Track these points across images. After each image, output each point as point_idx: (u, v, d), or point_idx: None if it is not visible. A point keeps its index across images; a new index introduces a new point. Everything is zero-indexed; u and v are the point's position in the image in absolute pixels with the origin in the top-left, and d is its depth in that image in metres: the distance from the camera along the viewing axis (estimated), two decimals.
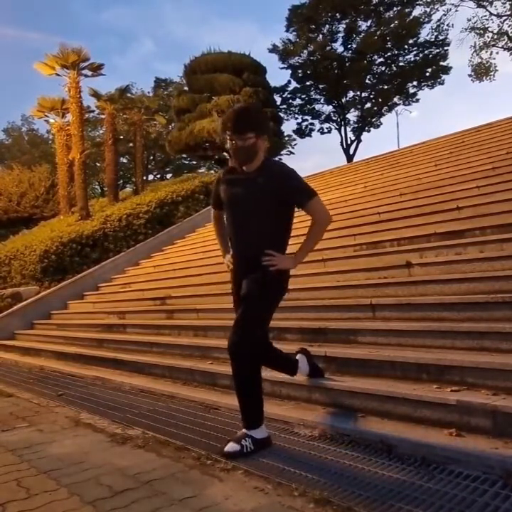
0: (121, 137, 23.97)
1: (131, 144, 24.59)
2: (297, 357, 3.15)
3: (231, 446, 2.56)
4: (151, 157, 33.72)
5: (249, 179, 2.68)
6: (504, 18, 24.97)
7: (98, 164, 29.41)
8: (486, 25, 25.90)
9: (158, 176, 35.61)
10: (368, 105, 28.36)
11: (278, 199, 2.63)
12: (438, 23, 25.66)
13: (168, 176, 34.52)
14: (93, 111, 19.05)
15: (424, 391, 2.66)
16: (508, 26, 25.06)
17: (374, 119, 28.94)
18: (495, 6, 24.92)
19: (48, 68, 14.71)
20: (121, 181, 31.66)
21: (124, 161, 31.85)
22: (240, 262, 2.78)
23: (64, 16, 72.28)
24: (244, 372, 2.58)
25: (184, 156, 28.36)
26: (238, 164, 2.71)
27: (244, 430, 2.61)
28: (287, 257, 2.75)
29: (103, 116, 18.14)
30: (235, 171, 2.77)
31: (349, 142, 28.57)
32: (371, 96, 28.05)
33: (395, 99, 28.03)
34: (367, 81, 27.18)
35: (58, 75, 14.80)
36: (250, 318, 2.61)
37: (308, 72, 26.77)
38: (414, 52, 26.12)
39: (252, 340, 2.57)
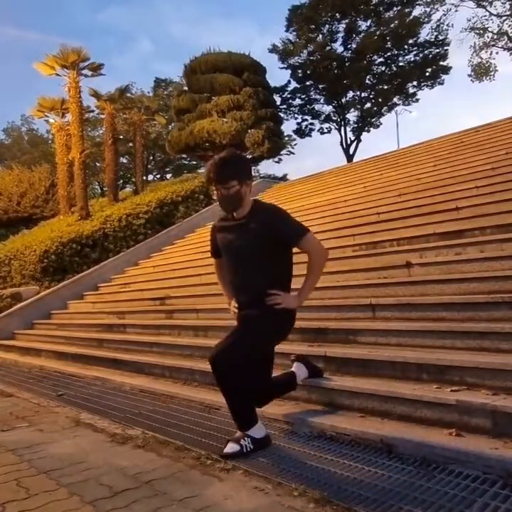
0: (121, 137, 23.94)
1: (131, 144, 24.58)
2: (293, 367, 3.16)
3: (231, 447, 2.56)
4: (151, 157, 33.71)
5: (241, 225, 2.73)
6: (504, 18, 24.99)
7: (98, 164, 29.41)
8: (486, 25, 25.94)
9: (158, 176, 35.62)
10: (368, 105, 28.35)
11: (272, 241, 2.67)
12: (438, 23, 25.68)
13: (168, 176, 34.53)
14: (93, 111, 19.03)
15: (424, 391, 2.66)
16: (508, 26, 25.09)
17: (374, 119, 28.93)
18: (494, 6, 24.95)
19: (47, 68, 14.70)
20: (121, 181, 31.65)
21: (124, 161, 31.83)
22: (243, 307, 2.79)
23: (62, 15, 72.25)
24: (226, 388, 2.59)
25: (184, 156, 28.33)
26: (227, 212, 2.78)
27: (242, 431, 2.61)
28: (291, 296, 2.77)
29: (103, 116, 18.13)
30: (227, 218, 2.84)
31: (349, 142, 28.58)
32: (371, 96, 28.04)
33: (395, 99, 28.03)
34: (367, 81, 27.17)
35: (58, 74, 14.80)
36: (239, 341, 2.61)
37: (308, 72, 26.76)
38: (414, 52, 26.11)
39: (233, 358, 2.53)
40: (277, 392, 3.04)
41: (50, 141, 32.94)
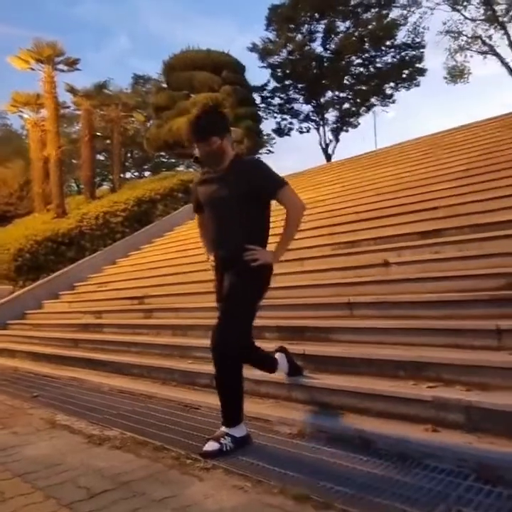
0: (98, 134, 23.57)
1: (108, 141, 24.23)
2: (276, 356, 3.16)
3: (210, 445, 2.56)
4: (129, 154, 33.34)
5: (221, 178, 2.75)
6: (478, 22, 25.44)
7: (74, 161, 28.88)
8: (461, 29, 26.37)
9: (136, 173, 35.26)
10: (346, 105, 28.56)
11: (251, 193, 2.67)
12: (414, 26, 26.00)
13: (147, 173, 34.20)
14: (69, 107, 18.80)
15: (401, 388, 2.70)
16: (482, 30, 25.56)
17: (352, 119, 29.16)
18: (469, 10, 25.38)
19: (22, 62, 14.44)
20: (98, 179, 31.17)
21: (101, 158, 31.35)
22: (221, 260, 2.79)
23: (36, 9, 70.75)
24: (226, 372, 2.58)
25: (162, 153, 28.11)
26: (211, 167, 2.80)
27: (223, 429, 2.61)
28: (268, 251, 2.77)
29: (79, 113, 17.89)
30: (209, 171, 2.86)
31: (328, 142, 28.74)
32: (349, 96, 28.26)
33: (373, 100, 28.29)
34: (345, 81, 27.37)
35: (33, 69, 14.56)
36: (234, 317, 2.62)
37: (288, 71, 26.83)
38: (391, 53, 26.41)
39: (236, 340, 2.57)
40: (257, 360, 3.00)
41: (24, 137, 32.30)
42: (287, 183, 2.75)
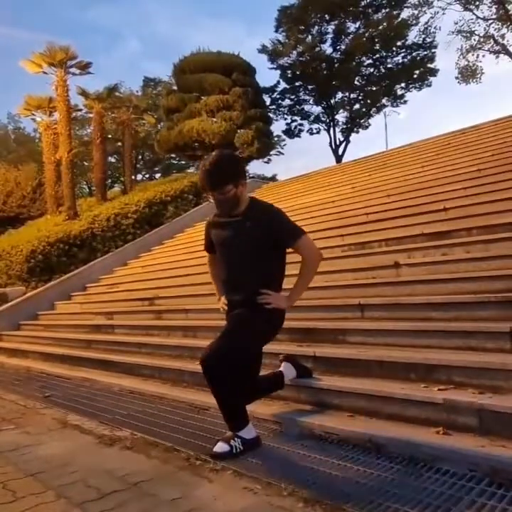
0: (110, 136, 23.76)
1: (119, 144, 24.46)
2: (281, 367, 3.16)
3: (220, 447, 2.56)
4: (140, 157, 33.55)
5: (237, 222, 2.71)
6: (490, 21, 25.25)
7: (86, 163, 29.22)
8: (473, 29, 26.18)
9: (147, 175, 35.46)
10: (357, 106, 28.51)
11: (267, 241, 2.66)
12: (425, 26, 25.90)
13: (157, 175, 34.38)
14: (81, 109, 18.92)
15: (411, 390, 2.68)
16: (494, 29, 25.36)
17: (362, 120, 29.08)
18: (481, 10, 25.29)
19: (34, 66, 14.58)
20: (110, 181, 31.36)
21: (113, 160, 31.58)
22: (233, 305, 2.78)
23: (49, 13, 71.55)
24: (217, 390, 2.57)
25: (173, 155, 28.17)
26: (225, 215, 2.76)
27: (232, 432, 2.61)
28: (282, 296, 2.77)
29: (91, 115, 18.04)
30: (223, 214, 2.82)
31: (338, 143, 28.70)
32: (360, 97, 28.19)
33: (383, 101, 28.20)
34: (355, 82, 27.31)
35: (45, 73, 14.70)
36: (232, 338, 2.60)
37: (298, 72, 26.83)
38: (402, 54, 26.31)
39: (229, 358, 2.51)
40: (264, 389, 3.04)
41: (37, 140, 32.63)
42: (305, 233, 2.74)
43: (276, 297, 2.72)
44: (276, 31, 26.51)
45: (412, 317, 3.61)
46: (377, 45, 25.70)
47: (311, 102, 28.82)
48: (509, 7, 23.47)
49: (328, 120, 29.08)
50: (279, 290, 2.80)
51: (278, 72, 27.60)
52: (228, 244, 2.75)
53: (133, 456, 2.72)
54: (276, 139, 28.67)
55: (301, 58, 26.25)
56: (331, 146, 28.78)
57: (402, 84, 27.37)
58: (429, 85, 27.06)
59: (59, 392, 4.70)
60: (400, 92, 27.82)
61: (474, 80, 27.20)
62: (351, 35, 25.80)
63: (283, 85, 28.09)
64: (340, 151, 28.53)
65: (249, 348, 2.69)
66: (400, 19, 25.19)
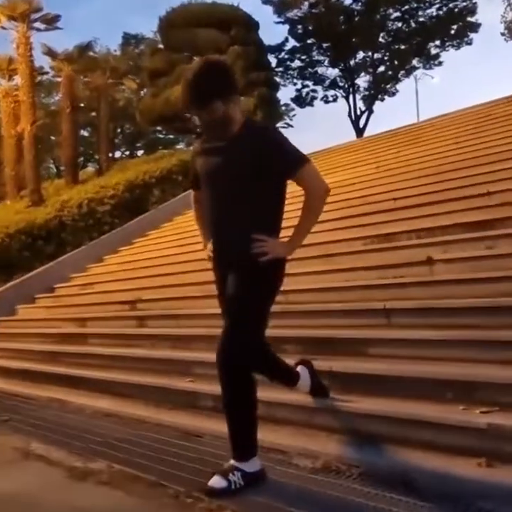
0: (82, 105, 23.72)
1: (94, 114, 24.42)
2: (298, 369, 3.14)
3: (216, 482, 2.54)
4: (119, 130, 33.55)
5: (227, 148, 2.64)
6: None
7: (53, 138, 29.19)
8: None
9: (128, 152, 35.45)
10: (382, 69, 28.46)
11: (263, 170, 2.60)
12: None
13: (140, 152, 34.36)
14: (47, 73, 19.02)
15: (448, 413, 2.67)
16: None
17: (388, 86, 29.03)
18: None
19: None
20: (82, 159, 31.33)
21: (86, 134, 31.59)
22: (223, 253, 2.75)
23: None
24: (235, 391, 2.56)
25: (159, 128, 28.24)
26: (215, 140, 2.69)
27: (232, 462, 2.60)
28: (281, 242, 2.72)
29: (59, 80, 18.03)
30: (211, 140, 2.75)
31: (359, 113, 28.65)
32: (385, 58, 28.14)
33: (414, 62, 28.16)
34: (380, 39, 27.24)
35: (4, 28, 14.72)
36: (241, 323, 2.59)
37: (310, 27, 26.76)
38: (437, 5, 26.21)
39: (245, 349, 2.55)
40: (278, 371, 3.01)
41: None
42: (309, 160, 2.67)
43: (274, 245, 2.65)
44: None
45: (448, 324, 3.59)
46: None
47: (325, 63, 28.79)
48: None
49: (346, 85, 29.03)
50: (277, 234, 2.74)
51: (286, 27, 27.59)
52: (215, 175, 2.68)
53: (110, 493, 2.72)
54: (283, 108, 28.66)
55: (314, 10, 26.16)
56: (350, 116, 28.74)
57: (437, 42, 27.30)
58: (469, 43, 27.01)
59: (20, 415, 4.69)
60: (433, 52, 27.78)
61: None
62: None
63: (292, 43, 28.07)
64: (361, 123, 28.49)
65: (263, 325, 2.69)
66: None
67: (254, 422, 2.62)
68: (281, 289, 2.82)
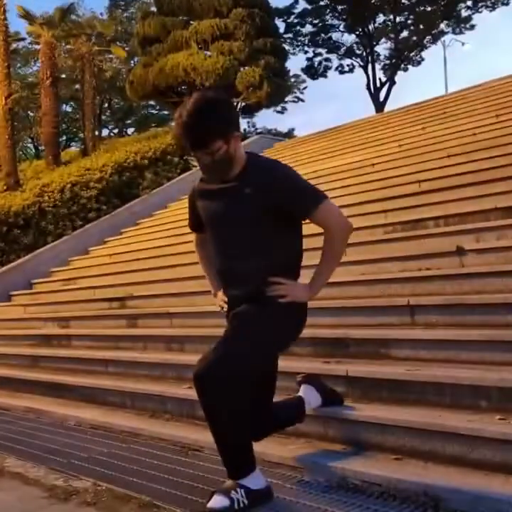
0: (64, 76, 23.75)
1: (77, 86, 24.42)
2: (301, 391, 3.14)
3: (218, 501, 2.53)
4: (107, 104, 33.57)
5: (232, 189, 2.66)
6: None
7: (31, 114, 29.22)
8: None
9: (116, 130, 35.48)
10: (405, 34, 28.33)
11: (275, 211, 2.62)
12: None
13: (130, 130, 34.40)
14: (24, 39, 18.96)
15: (482, 423, 2.66)
16: None
17: (413, 54, 28.91)
18: None
19: None
20: (65, 138, 31.48)
21: (69, 109, 31.66)
22: (235, 301, 2.75)
23: None
24: (216, 412, 2.53)
25: (152, 103, 28.21)
26: (216, 181, 2.72)
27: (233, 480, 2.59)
28: (301, 285, 2.74)
29: (38, 47, 17.99)
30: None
31: (378, 85, 28.57)
32: (409, 21, 28.00)
33: (442, 26, 28.04)
34: (403, 0, 27.09)
35: None
36: (234, 341, 2.58)
37: None
38: None
39: (230, 370, 2.46)
40: (279, 422, 3.02)
41: None
42: (326, 197, 2.69)
43: (293, 287, 2.69)
44: None
45: (482, 323, 3.59)
46: None
47: (341, 28, 28.74)
48: None
49: (364, 53, 28.95)
50: (296, 277, 2.78)
51: None
52: (222, 220, 2.71)
53: None
54: (293, 79, 28.60)
55: None
56: (368, 89, 28.67)
57: (468, 3, 27.12)
58: (506, 3, 26.81)
59: None
60: (464, 14, 27.60)
61: None
62: None
63: (302, 5, 27.99)
64: (381, 96, 28.42)
65: (259, 357, 2.65)
66: None
67: (244, 438, 2.60)
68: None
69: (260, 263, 2.65)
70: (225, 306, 2.82)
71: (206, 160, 2.58)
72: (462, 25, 28.27)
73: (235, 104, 17.23)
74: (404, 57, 28.73)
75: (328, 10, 28.00)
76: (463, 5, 27.21)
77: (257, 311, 2.64)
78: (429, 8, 27.24)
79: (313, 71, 30.05)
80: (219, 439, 2.58)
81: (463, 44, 32.12)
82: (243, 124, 37.48)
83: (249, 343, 2.57)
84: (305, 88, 32.44)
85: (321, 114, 55.96)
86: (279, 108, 29.66)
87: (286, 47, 24.20)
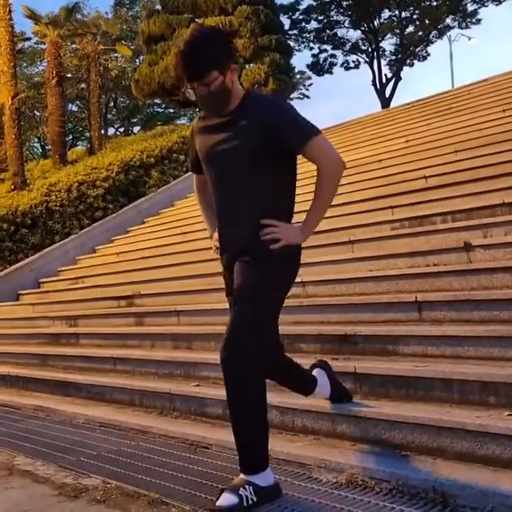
0: (70, 75, 23.80)
1: (83, 85, 24.45)
2: (314, 372, 3.14)
3: (226, 499, 2.54)
4: (112, 103, 33.60)
5: (228, 124, 2.66)
6: None
7: (38, 113, 29.28)
8: None
9: (122, 129, 35.50)
10: (410, 29, 28.22)
11: (269, 146, 2.60)
12: None
13: (136, 129, 34.43)
14: (29, 38, 18.98)
15: (490, 420, 2.65)
16: None
17: (418, 49, 28.80)
18: None
19: None
20: (71, 137, 31.54)
21: (75, 108, 31.71)
22: (230, 241, 2.75)
23: None
24: (242, 394, 2.55)
25: (157, 101, 28.22)
26: (212, 114, 2.71)
27: (243, 476, 2.59)
28: (294, 227, 2.72)
29: (43, 47, 18.01)
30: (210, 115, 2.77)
31: (384, 81, 28.48)
32: (414, 16, 27.89)
33: (448, 20, 27.91)
34: None
35: None
36: (250, 319, 2.58)
37: None
38: None
39: (254, 349, 2.53)
40: (289, 371, 3.03)
41: None
42: (320, 132, 2.67)
43: (286, 229, 2.67)
44: None
45: (489, 318, 3.59)
46: None
47: (346, 24, 28.64)
48: None
49: (370, 49, 28.86)
50: (290, 219, 2.76)
51: None
52: (218, 154, 2.69)
53: None
54: (298, 76, 28.57)
55: None
56: (374, 85, 28.60)
57: None
58: None
59: (2, 426, 4.73)
60: (470, 8, 27.47)
61: None
62: None
63: (308, 1, 27.96)
64: (387, 92, 28.34)
65: (272, 323, 2.70)
66: None
67: (264, 430, 2.61)
68: (299, 280, 2.81)
69: (254, 201, 2.65)
70: (217, 244, 2.82)
71: (203, 91, 2.57)
72: (468, 19, 28.14)
73: None
74: (409, 52, 28.64)
75: (333, 6, 27.93)
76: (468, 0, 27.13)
77: (256, 275, 2.61)
78: (434, 3, 27.14)
79: (319, 67, 29.99)
80: (240, 429, 2.60)
81: (469, 39, 31.90)
82: None
83: (263, 316, 2.61)
84: (310, 85, 32.46)
85: (327, 110, 55.83)
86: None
87: (292, 43, 24.14)
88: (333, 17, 28.42)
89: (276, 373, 2.94)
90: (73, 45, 20.51)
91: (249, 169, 2.63)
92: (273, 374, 2.89)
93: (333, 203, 2.89)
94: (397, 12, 27.81)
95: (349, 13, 27.95)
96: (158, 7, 19.75)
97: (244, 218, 2.67)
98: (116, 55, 25.24)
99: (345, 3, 27.44)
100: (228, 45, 2.69)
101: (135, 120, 35.69)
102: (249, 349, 2.51)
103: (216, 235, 2.84)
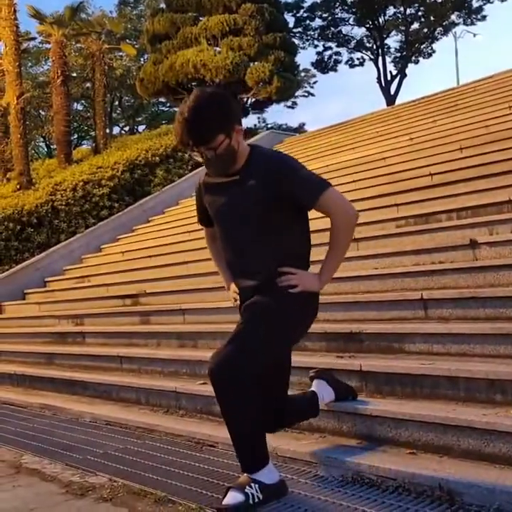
0: (75, 75, 23.83)
1: (88, 85, 24.50)
2: (313, 386, 3.15)
3: (232, 497, 2.54)
4: (117, 102, 33.61)
5: (236, 183, 2.68)
6: None
7: (43, 113, 29.33)
8: None
9: (127, 128, 35.52)
10: (416, 26, 28.14)
11: (279, 202, 2.63)
12: None
13: (141, 128, 34.42)
14: (34, 38, 18.99)
15: (497, 417, 2.64)
16: None
17: (423, 46, 28.72)
18: None
19: None
20: (76, 136, 31.54)
21: (80, 108, 31.75)
22: (246, 293, 2.75)
23: None
24: (230, 398, 2.55)
25: (162, 100, 28.24)
26: (220, 175, 2.72)
27: (247, 475, 2.60)
28: (310, 274, 2.75)
29: (48, 46, 18.03)
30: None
31: (389, 78, 28.42)
32: (419, 13, 27.80)
33: (453, 17, 27.80)
34: None
35: None
36: (247, 334, 2.59)
37: None
38: None
39: (247, 361, 2.50)
40: (293, 415, 3.03)
41: None
42: (330, 185, 2.68)
43: (303, 276, 2.69)
44: None
45: (495, 316, 3.58)
46: None
47: (351, 21, 28.59)
48: None
49: (374, 46, 28.80)
50: (307, 267, 2.78)
51: None
52: (228, 213, 2.72)
53: (112, 511, 2.73)
54: (303, 74, 28.53)
55: None
56: (379, 82, 28.54)
57: None
58: None
59: (9, 425, 4.74)
60: (475, 4, 27.38)
61: None
62: None
63: None
64: (392, 90, 28.29)
65: (272, 350, 2.67)
66: None
67: (259, 431, 2.62)
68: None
69: (269, 253, 2.67)
70: (237, 298, 2.83)
71: (209, 155, 2.59)
72: (473, 16, 28.05)
73: (245, 99, 17.26)
74: (414, 49, 28.57)
75: (338, 3, 27.87)
76: None
77: (268, 304, 2.64)
78: (439, 0, 27.05)
79: (324, 65, 29.95)
80: (233, 432, 2.61)
81: (474, 35, 31.80)
82: (253, 119, 37.53)
83: (261, 339, 2.58)
84: (315, 82, 32.38)
85: (332, 108, 55.71)
86: (289, 103, 29.64)
87: (296, 41, 24.10)
88: (337, 14, 28.38)
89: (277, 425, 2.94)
90: (78, 45, 20.54)
91: (259, 226, 2.66)
92: (273, 428, 2.89)
93: None
94: (401, 9, 27.73)
95: (354, 10, 27.90)
96: (163, 6, 19.68)
97: (259, 271, 2.69)
98: (120, 54, 25.29)
99: (349, 0, 27.38)
100: (231, 106, 2.69)
101: (140, 119, 35.70)
102: (234, 365, 2.48)
103: (233, 285, 2.86)
